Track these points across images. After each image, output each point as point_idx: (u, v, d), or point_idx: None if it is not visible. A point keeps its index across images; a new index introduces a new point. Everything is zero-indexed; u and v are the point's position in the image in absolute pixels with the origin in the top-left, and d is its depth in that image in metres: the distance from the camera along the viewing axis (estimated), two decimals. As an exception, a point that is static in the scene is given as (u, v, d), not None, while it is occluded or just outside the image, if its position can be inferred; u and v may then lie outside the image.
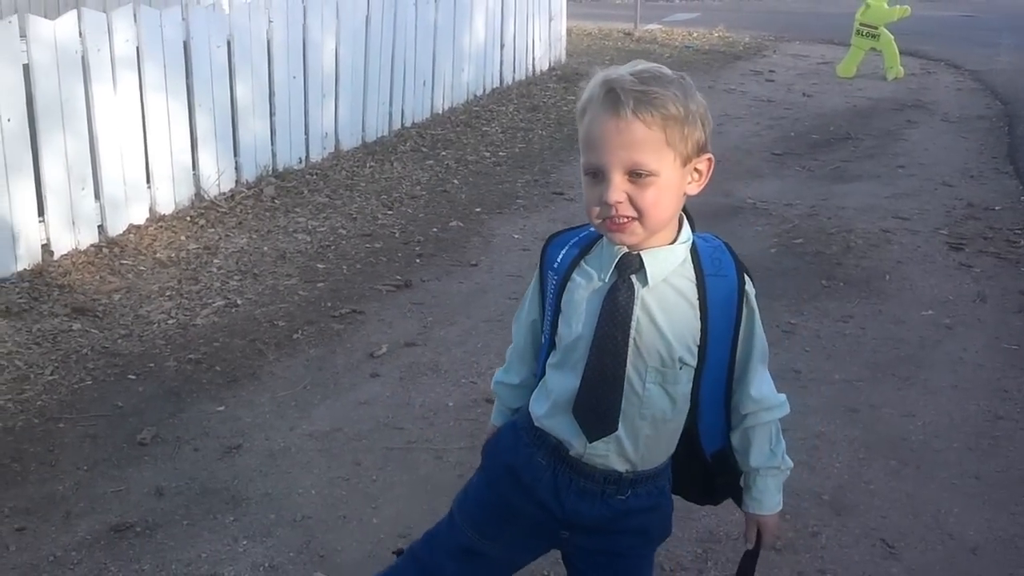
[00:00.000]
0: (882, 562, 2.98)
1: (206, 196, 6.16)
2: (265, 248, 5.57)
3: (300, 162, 7.02)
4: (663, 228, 1.73)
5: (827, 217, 6.22)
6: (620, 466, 1.83)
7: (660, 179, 1.66)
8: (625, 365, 1.74)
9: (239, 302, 4.85)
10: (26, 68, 4.97)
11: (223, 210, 6.08)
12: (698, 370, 1.78)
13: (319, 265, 5.37)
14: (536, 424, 1.88)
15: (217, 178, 6.25)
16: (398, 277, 5.20)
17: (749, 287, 1.81)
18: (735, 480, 1.96)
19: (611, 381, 1.75)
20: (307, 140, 7.10)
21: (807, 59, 12.54)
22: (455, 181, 6.99)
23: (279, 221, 6.03)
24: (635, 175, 1.65)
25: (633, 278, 1.73)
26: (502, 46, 10.07)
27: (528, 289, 1.96)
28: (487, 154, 7.69)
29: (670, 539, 3.01)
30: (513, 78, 10.33)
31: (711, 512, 3.17)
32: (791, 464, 1.94)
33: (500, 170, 7.25)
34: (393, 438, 3.64)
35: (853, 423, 3.76)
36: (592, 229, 1.81)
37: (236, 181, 6.46)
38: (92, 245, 5.39)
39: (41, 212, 5.13)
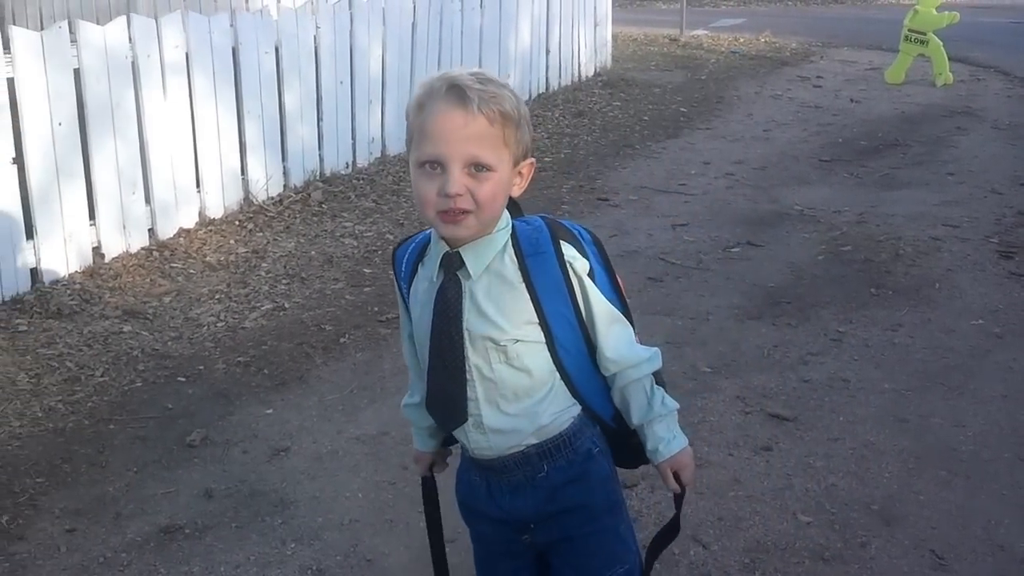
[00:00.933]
0: (932, 573, 2.94)
1: (255, 200, 6.22)
2: (312, 252, 5.62)
3: (347, 167, 7.07)
4: (493, 224, 1.80)
5: (876, 224, 6.15)
6: (512, 447, 1.87)
7: (497, 174, 1.74)
8: (463, 357, 1.82)
9: (287, 306, 4.89)
10: (77, 73, 5.05)
11: (271, 214, 6.14)
12: (550, 345, 1.83)
13: (366, 270, 5.40)
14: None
15: (266, 183, 6.31)
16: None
17: (571, 255, 1.83)
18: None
19: (452, 374, 1.83)
20: (354, 145, 7.15)
21: (855, 65, 12.42)
22: (500, 187, 6.98)
23: (326, 226, 6.07)
24: (475, 169, 1.71)
25: (459, 273, 1.81)
26: (548, 52, 10.07)
27: (400, 312, 2.03)
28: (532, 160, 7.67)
29: (717, 548, 3.02)
30: (559, 83, 10.33)
31: (759, 521, 3.16)
32: (675, 405, 1.93)
33: (545, 176, 7.25)
34: (439, 443, 3.65)
35: (902, 433, 3.71)
36: (427, 232, 1.90)
37: (284, 186, 6.52)
38: (143, 248, 5.47)
39: (92, 215, 5.21)
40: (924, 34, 10.83)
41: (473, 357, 1.82)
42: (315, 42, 6.64)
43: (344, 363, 4.30)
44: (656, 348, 1.93)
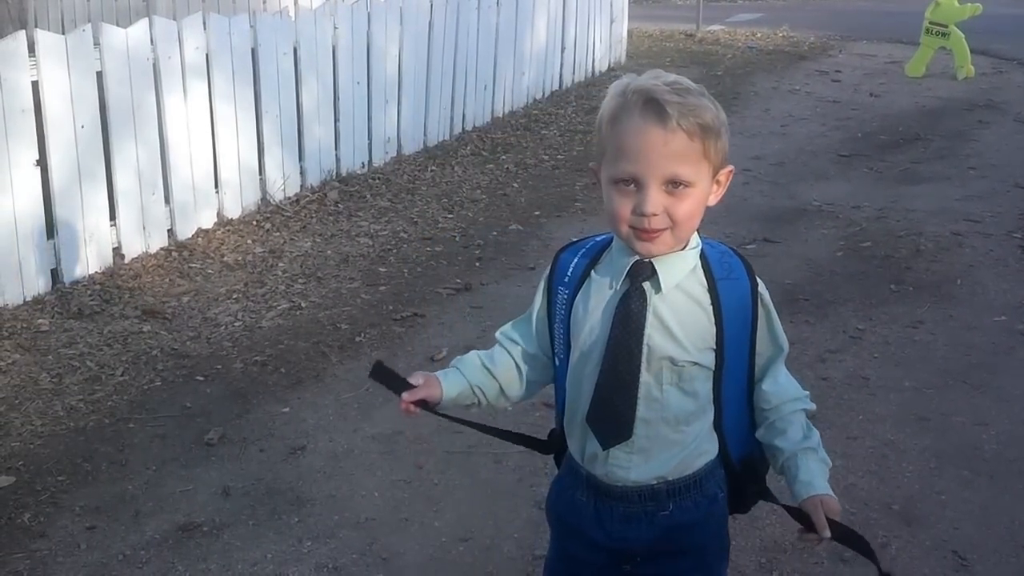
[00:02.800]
0: (954, 574, 2.92)
1: (272, 201, 6.24)
2: (329, 252, 5.63)
3: (363, 167, 7.08)
4: (688, 239, 1.74)
5: (896, 220, 6.11)
6: (649, 479, 1.80)
7: (696, 190, 1.67)
8: (639, 371, 1.74)
9: (303, 305, 4.91)
10: (99, 75, 5.08)
11: (288, 214, 6.16)
12: (717, 373, 1.77)
13: (381, 269, 5.41)
14: (569, 458, 1.90)
15: (283, 183, 6.33)
16: (458, 280, 5.22)
17: (762, 288, 1.81)
18: (763, 489, 1.93)
19: (625, 388, 1.74)
20: (370, 145, 7.16)
21: (874, 59, 12.33)
22: (514, 185, 6.99)
23: (342, 225, 6.08)
24: (673, 186, 1.65)
25: (646, 285, 1.73)
26: (563, 49, 10.06)
27: (532, 310, 1.93)
28: (546, 157, 7.68)
29: (733, 548, 2.98)
30: (573, 80, 10.32)
31: (776, 521, 3.14)
32: (829, 460, 1.86)
33: (559, 173, 7.24)
34: (454, 442, 3.65)
35: (924, 432, 3.69)
36: (599, 239, 1.84)
37: (301, 186, 6.54)
38: (162, 248, 5.49)
39: (113, 216, 5.24)
40: (946, 27, 10.74)
41: (645, 375, 1.74)
42: (333, 42, 6.66)
43: (360, 362, 4.31)
44: (808, 392, 1.90)
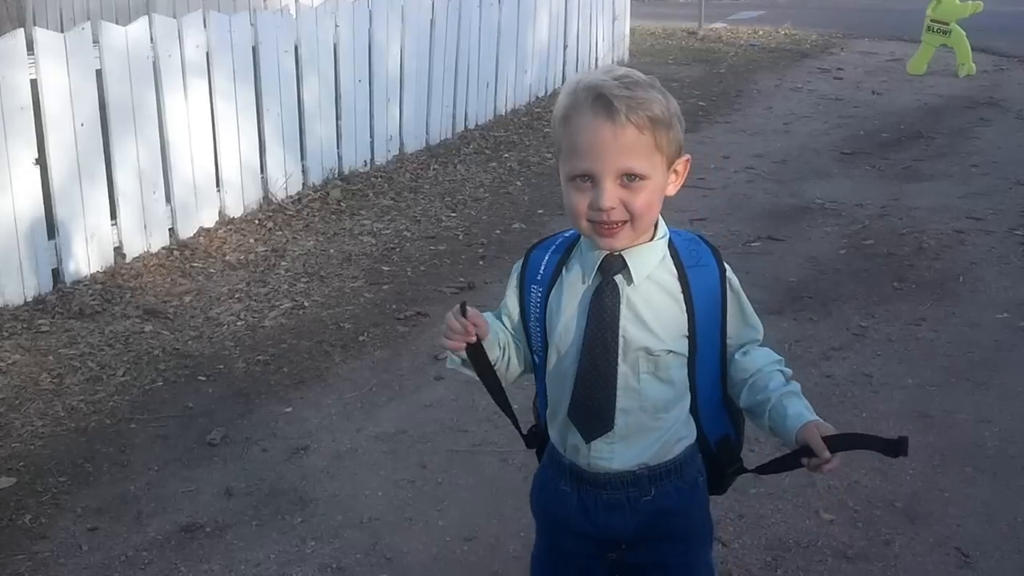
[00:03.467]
0: (957, 571, 2.91)
1: (274, 199, 6.23)
2: (331, 250, 5.62)
3: (365, 165, 7.08)
4: (649, 230, 1.76)
5: (898, 217, 6.10)
6: (631, 466, 1.82)
7: (651, 182, 1.69)
8: (616, 364, 1.76)
9: (306, 304, 4.90)
10: (99, 73, 5.07)
11: (290, 213, 6.15)
12: (691, 359, 1.80)
13: (384, 267, 5.40)
14: (551, 448, 1.92)
15: (284, 181, 6.32)
16: (461, 279, 5.21)
17: (730, 273, 1.84)
18: (740, 467, 1.96)
19: (604, 380, 1.77)
20: (372, 143, 7.15)
21: (876, 56, 12.32)
22: (517, 183, 6.99)
23: (345, 224, 6.08)
24: (627, 179, 1.67)
25: (617, 278, 1.76)
26: (565, 47, 10.05)
27: (500, 310, 1.93)
28: (548, 155, 7.65)
29: (737, 546, 3.00)
30: (576, 79, 10.30)
31: (781, 519, 3.14)
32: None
33: (564, 171, 7.22)
34: (458, 441, 3.64)
35: (927, 429, 3.68)
36: (567, 235, 1.85)
37: (303, 184, 6.53)
38: (163, 248, 5.49)
39: (114, 215, 5.23)
40: (947, 24, 10.72)
41: (622, 366, 1.77)
42: (334, 40, 6.65)
43: (363, 361, 4.30)
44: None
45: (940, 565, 2.93)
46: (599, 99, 1.65)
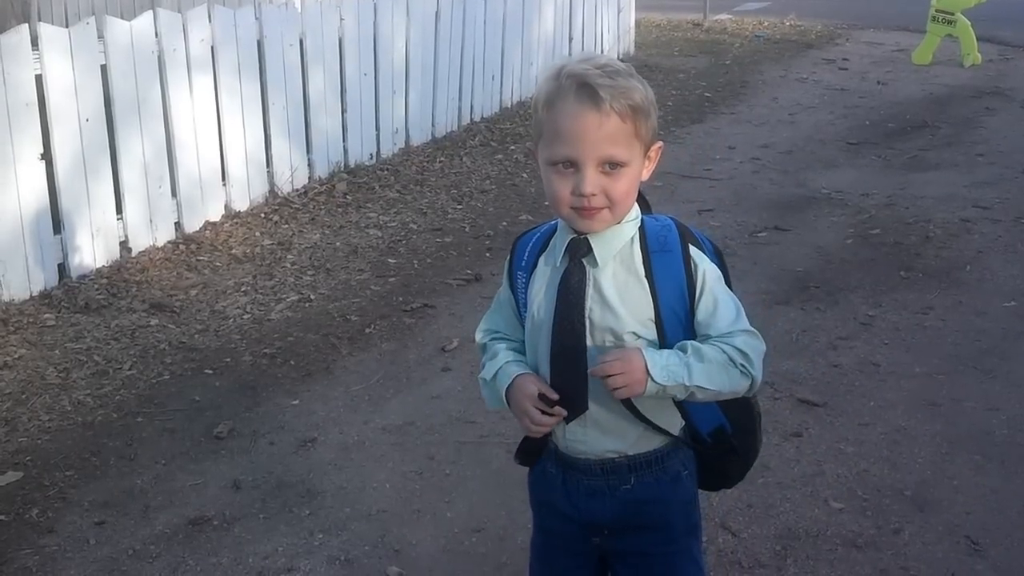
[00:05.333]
0: (967, 559, 2.90)
1: (280, 193, 6.23)
2: (337, 243, 5.62)
3: (371, 158, 7.07)
4: (625, 214, 1.79)
5: (905, 207, 6.08)
6: (608, 451, 1.84)
7: (630, 169, 1.74)
8: (584, 345, 1.79)
9: (312, 297, 4.90)
10: (103, 68, 5.06)
11: (296, 206, 6.14)
12: (661, 345, 1.79)
13: (390, 260, 5.40)
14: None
15: (290, 175, 6.32)
16: (468, 271, 5.21)
17: (698, 257, 1.80)
18: (746, 459, 1.97)
19: (573, 361, 1.79)
20: (378, 136, 7.14)
21: (881, 47, 12.27)
22: (524, 175, 6.98)
23: (351, 217, 6.07)
24: (609, 166, 1.71)
25: (584, 260, 1.79)
26: (571, 39, 10.02)
27: (494, 304, 1.99)
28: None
29: (747, 535, 2.99)
30: (582, 71, 10.27)
31: (789, 508, 3.13)
32: (698, 366, 1.73)
33: (569, 163, 7.21)
34: (465, 432, 3.64)
35: (935, 417, 3.67)
36: (551, 224, 1.90)
37: (309, 177, 6.52)
38: (169, 242, 5.49)
39: (119, 210, 5.23)
40: (952, 14, 10.67)
41: (591, 348, 1.79)
42: (339, 33, 6.64)
43: (369, 353, 4.30)
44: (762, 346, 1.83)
45: (950, 553, 2.93)
46: (584, 87, 1.68)
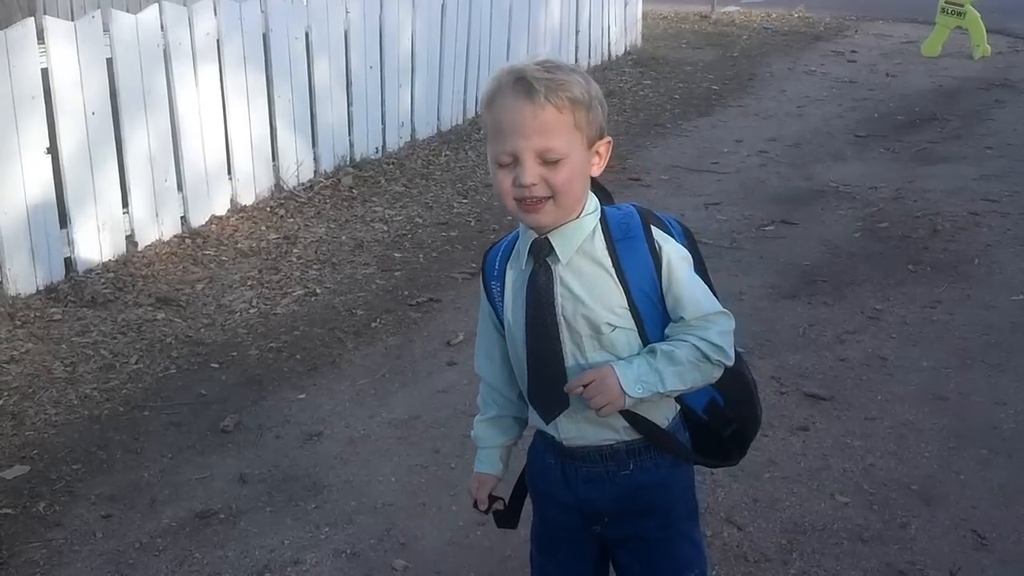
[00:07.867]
0: (973, 553, 2.89)
1: (285, 187, 6.23)
2: (343, 237, 5.62)
3: (377, 152, 7.06)
4: (575, 208, 1.80)
5: (913, 200, 6.06)
6: (604, 439, 1.86)
7: (570, 160, 1.75)
8: (559, 343, 1.82)
9: (318, 291, 4.90)
10: (109, 62, 5.06)
11: (302, 200, 6.14)
12: (641, 331, 1.81)
13: (396, 254, 5.40)
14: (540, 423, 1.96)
15: (296, 169, 6.31)
16: (473, 265, 5.20)
17: (661, 238, 1.82)
18: (743, 431, 1.97)
19: (550, 360, 1.83)
20: (384, 130, 7.13)
21: (890, 39, 12.22)
22: (530, 168, 6.95)
23: (357, 210, 6.07)
24: (548, 158, 1.73)
25: (548, 260, 1.81)
26: (577, 31, 9.99)
27: (479, 323, 2.02)
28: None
29: (753, 529, 2.99)
30: (588, 63, 10.24)
31: (796, 502, 3.13)
32: (669, 371, 1.75)
33: (576, 156, 7.19)
34: (471, 426, 3.61)
35: (942, 411, 3.66)
36: (516, 232, 1.91)
37: (315, 171, 6.52)
38: (175, 236, 5.49)
39: (125, 203, 5.23)
40: (961, 6, 10.62)
41: (568, 344, 1.82)
42: (345, 26, 6.63)
43: (375, 347, 4.30)
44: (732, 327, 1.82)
45: (956, 547, 2.92)
46: (519, 82, 1.72)
